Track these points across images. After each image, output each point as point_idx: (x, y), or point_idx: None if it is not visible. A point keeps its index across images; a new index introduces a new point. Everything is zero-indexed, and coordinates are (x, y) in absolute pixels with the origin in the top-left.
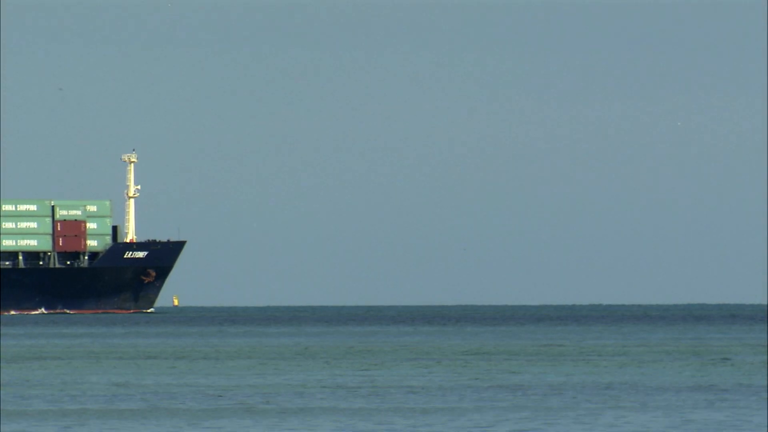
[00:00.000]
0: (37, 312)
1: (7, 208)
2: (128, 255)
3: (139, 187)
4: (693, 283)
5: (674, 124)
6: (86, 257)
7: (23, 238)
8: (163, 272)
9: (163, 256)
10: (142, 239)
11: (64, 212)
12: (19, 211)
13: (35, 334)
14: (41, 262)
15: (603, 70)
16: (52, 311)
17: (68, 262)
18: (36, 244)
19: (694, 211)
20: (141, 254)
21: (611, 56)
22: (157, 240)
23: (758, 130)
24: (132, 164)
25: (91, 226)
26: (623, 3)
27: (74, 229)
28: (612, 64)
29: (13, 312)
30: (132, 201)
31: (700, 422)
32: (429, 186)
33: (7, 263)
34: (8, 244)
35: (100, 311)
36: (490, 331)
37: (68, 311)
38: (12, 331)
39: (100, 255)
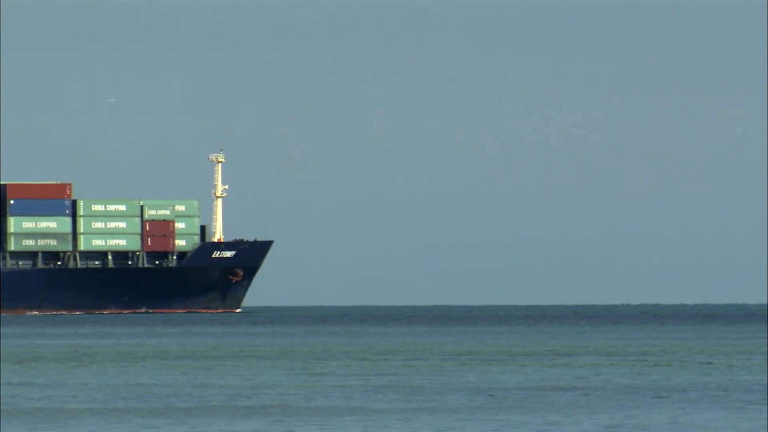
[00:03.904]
0: (141, 311)
1: (97, 208)
2: (216, 255)
3: (226, 186)
4: (692, 284)
5: (673, 123)
6: (174, 257)
7: (112, 238)
8: (250, 272)
9: (250, 255)
10: (230, 239)
11: (153, 212)
12: (109, 211)
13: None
14: (130, 262)
15: (604, 71)
16: (152, 310)
17: (156, 262)
18: (125, 243)
19: (694, 211)
20: (229, 254)
21: (611, 56)
22: (245, 239)
23: (758, 129)
24: (219, 164)
25: (179, 225)
26: (625, 3)
27: (163, 228)
28: (613, 64)
29: (112, 311)
30: (219, 201)
31: (701, 422)
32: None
33: (96, 263)
34: (98, 243)
35: (187, 311)
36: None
37: (159, 311)
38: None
39: (188, 254)
